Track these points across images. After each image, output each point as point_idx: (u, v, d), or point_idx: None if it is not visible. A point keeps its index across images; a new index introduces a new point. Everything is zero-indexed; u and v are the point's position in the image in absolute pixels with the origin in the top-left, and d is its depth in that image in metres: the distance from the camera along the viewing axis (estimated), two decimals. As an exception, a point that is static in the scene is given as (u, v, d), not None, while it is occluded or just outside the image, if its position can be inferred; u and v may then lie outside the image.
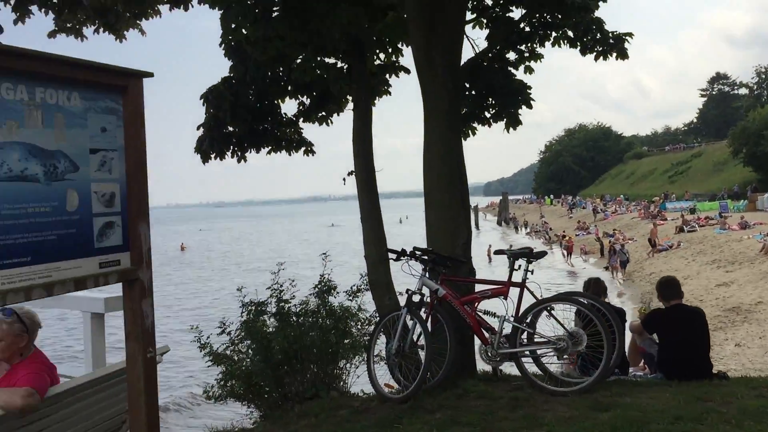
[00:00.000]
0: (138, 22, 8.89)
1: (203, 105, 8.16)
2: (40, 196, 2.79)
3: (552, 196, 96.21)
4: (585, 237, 46.52)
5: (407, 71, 8.83)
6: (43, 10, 6.91)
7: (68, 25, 8.48)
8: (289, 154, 9.45)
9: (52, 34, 8.32)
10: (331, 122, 8.99)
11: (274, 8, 6.25)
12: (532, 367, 5.52)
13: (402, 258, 5.71)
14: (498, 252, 5.80)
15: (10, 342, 3.78)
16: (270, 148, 9.11)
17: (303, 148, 9.39)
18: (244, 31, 6.59)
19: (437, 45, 5.99)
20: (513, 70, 9.06)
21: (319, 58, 7.37)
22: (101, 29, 8.69)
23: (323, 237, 72.46)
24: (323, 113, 8.91)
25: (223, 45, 8.00)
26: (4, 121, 2.64)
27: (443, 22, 6.02)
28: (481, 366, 6.17)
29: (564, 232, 49.09)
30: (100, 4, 7.67)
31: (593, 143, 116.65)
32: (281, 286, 6.36)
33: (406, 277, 5.98)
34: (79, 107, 2.98)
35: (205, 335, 6.12)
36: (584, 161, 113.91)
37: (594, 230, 47.36)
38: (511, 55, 9.08)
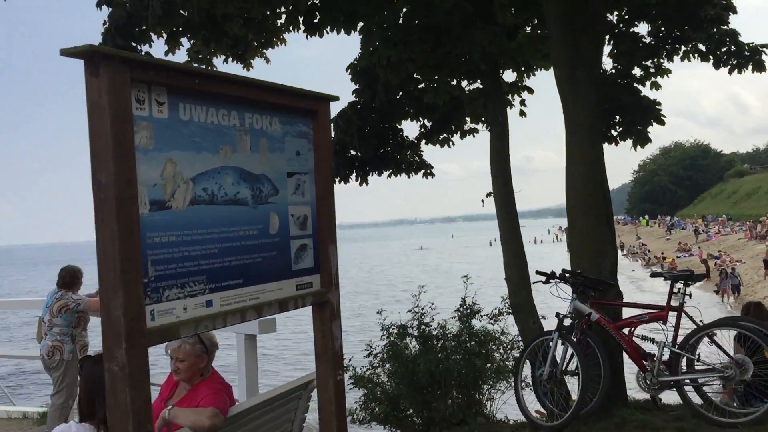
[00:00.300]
0: (263, 51, 9.19)
1: (333, 130, 8.29)
2: (249, 219, 2.85)
3: (647, 217, 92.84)
4: (687, 259, 44.50)
5: (531, 91, 8.70)
6: (192, 41, 7.22)
7: (200, 56, 8.82)
8: (408, 177, 9.47)
9: (186, 65, 8.69)
10: (453, 143, 8.95)
11: (411, 31, 6.29)
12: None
13: (551, 281, 5.56)
14: (654, 275, 5.57)
15: (192, 362, 3.87)
16: (390, 171, 9.16)
17: (422, 171, 9.38)
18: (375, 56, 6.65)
19: (579, 62, 5.85)
20: (639, 86, 8.80)
21: (443, 79, 7.36)
22: (230, 59, 9.01)
23: (415, 259, 72.39)
24: (445, 135, 8.89)
25: (350, 69, 8.12)
26: (221, 146, 2.71)
27: (585, 39, 5.90)
28: (632, 394, 5.92)
29: (663, 254, 47.21)
30: (234, 33, 7.95)
31: (690, 162, 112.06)
32: (422, 309, 6.31)
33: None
34: (279, 132, 3.05)
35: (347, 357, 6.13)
36: (681, 180, 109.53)
37: (697, 252, 45.27)
38: (637, 71, 8.84)
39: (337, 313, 3.26)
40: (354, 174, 8.81)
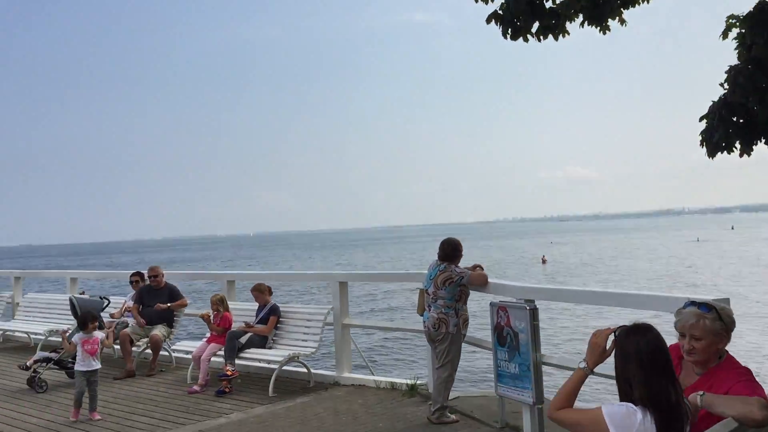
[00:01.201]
0: (623, 10, 8.41)
1: (725, 88, 7.22)
2: None
3: None
4: None
5: None
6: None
7: (553, 21, 8.28)
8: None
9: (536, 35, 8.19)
10: None
11: None
12: None
13: None
14: None
15: (710, 342, 3.24)
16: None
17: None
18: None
19: None
20: None
21: None
22: (586, 22, 8.37)
23: (695, 252, 65.92)
24: None
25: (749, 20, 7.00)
26: None
27: None
28: None
29: None
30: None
31: None
32: None
33: None
34: None
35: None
36: None
37: None
38: None
39: None
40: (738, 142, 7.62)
